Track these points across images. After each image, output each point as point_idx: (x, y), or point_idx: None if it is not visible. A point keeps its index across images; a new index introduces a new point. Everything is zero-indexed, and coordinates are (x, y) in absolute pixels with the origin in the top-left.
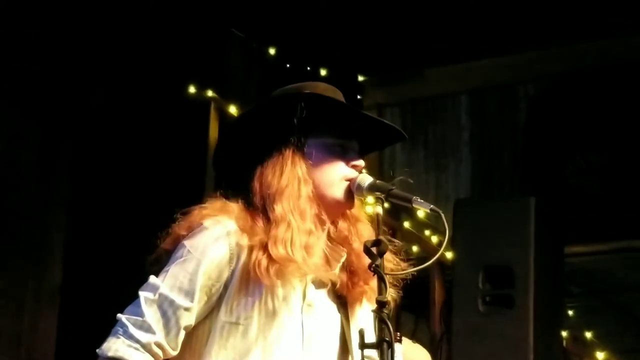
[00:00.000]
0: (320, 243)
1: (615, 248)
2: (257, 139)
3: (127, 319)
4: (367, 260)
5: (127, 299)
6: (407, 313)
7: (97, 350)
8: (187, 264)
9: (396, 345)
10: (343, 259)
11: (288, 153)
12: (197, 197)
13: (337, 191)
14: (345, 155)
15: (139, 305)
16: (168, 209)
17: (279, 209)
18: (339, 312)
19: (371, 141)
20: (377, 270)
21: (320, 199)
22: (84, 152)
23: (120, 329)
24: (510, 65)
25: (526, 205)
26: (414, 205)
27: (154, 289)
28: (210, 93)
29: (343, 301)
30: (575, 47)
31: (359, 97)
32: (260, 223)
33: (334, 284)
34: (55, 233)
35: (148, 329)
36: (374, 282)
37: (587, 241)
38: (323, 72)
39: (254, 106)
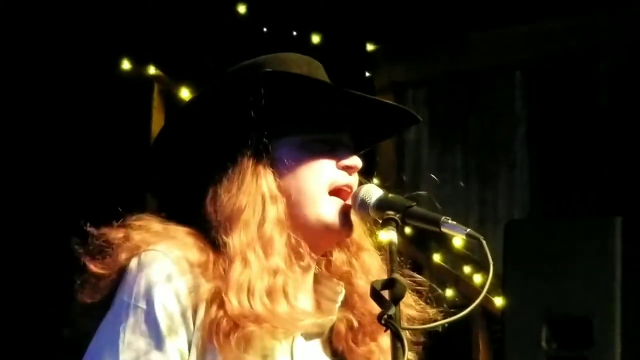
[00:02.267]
0: (297, 284)
1: None
2: (204, 143)
3: None
4: (375, 307)
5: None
6: None
7: None
8: (138, 325)
9: None
10: (341, 297)
11: (246, 161)
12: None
13: (325, 210)
14: (332, 154)
15: None
16: (98, 220)
17: (233, 240)
18: None
19: (368, 131)
20: (390, 324)
21: (299, 223)
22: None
23: None
24: (584, 29)
25: (609, 228)
26: (442, 230)
27: None
28: (152, 70)
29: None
30: None
31: (367, 74)
32: (220, 260)
33: (331, 331)
34: None
35: None
36: (385, 339)
37: None
38: (315, 39)
39: (197, 95)
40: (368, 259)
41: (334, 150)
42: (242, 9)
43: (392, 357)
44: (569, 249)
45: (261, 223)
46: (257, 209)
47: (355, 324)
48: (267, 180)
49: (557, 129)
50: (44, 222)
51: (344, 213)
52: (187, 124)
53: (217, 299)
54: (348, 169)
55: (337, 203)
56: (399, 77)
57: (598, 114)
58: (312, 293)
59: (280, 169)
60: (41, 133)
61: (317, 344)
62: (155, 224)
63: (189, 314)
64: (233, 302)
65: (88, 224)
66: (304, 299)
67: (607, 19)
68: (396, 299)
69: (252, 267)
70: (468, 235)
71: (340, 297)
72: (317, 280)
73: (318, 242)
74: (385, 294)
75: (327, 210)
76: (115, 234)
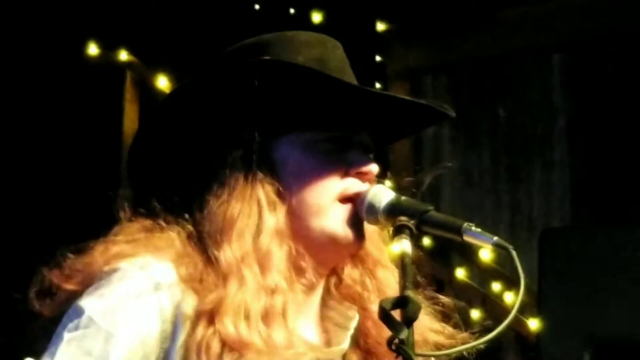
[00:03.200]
0: (299, 306)
1: None
2: (191, 140)
3: None
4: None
5: None
6: None
7: None
8: (88, 341)
9: None
10: (354, 325)
11: (239, 162)
12: (106, 214)
13: (331, 219)
14: (343, 157)
15: None
16: (62, 226)
17: (226, 254)
18: None
19: (385, 129)
20: (401, 349)
21: (301, 234)
22: None
23: None
24: (636, 2)
25: None
26: (465, 238)
27: None
28: (124, 55)
29: None
30: None
31: (379, 58)
32: (211, 272)
33: None
34: None
35: None
36: None
37: None
38: (317, 18)
39: (182, 84)
40: (385, 277)
41: (344, 152)
42: None
43: None
44: (616, 261)
45: (257, 234)
46: (253, 217)
47: (370, 353)
48: (263, 185)
49: (601, 122)
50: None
51: (354, 222)
52: (171, 118)
53: (205, 316)
54: (361, 175)
55: (345, 210)
56: (415, 63)
57: None
58: (318, 318)
59: (280, 172)
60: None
61: None
62: (137, 233)
63: (167, 340)
64: (229, 328)
65: (61, 250)
66: (307, 326)
67: None
68: (409, 321)
69: (247, 285)
70: (495, 244)
71: (353, 324)
72: (324, 303)
73: (324, 256)
74: (396, 316)
75: (334, 220)
76: (91, 253)
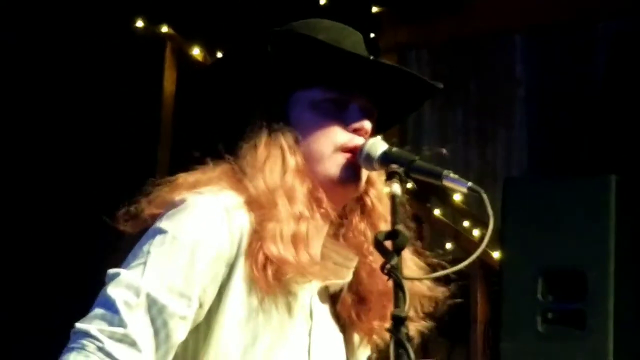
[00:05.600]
0: (316, 235)
1: None
2: (231, 99)
3: (101, 331)
4: (383, 283)
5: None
6: (439, 337)
7: None
8: (174, 255)
9: None
10: (354, 264)
11: (265, 115)
12: (148, 166)
13: (331, 168)
14: (341, 114)
15: (116, 312)
16: (113, 179)
17: (261, 188)
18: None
19: (389, 104)
20: (392, 273)
21: (313, 177)
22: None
23: (91, 344)
24: None
25: (604, 186)
26: (444, 183)
27: (133, 288)
28: (164, 29)
29: (343, 329)
30: None
31: (372, 35)
32: (253, 201)
33: (334, 299)
34: None
35: (132, 344)
36: (387, 318)
37: None
38: (322, 1)
39: (223, 55)
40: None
41: (343, 111)
42: None
43: (394, 305)
44: (566, 206)
45: (282, 173)
46: (278, 160)
47: (362, 301)
48: (284, 133)
49: (554, 91)
50: (66, 176)
51: (351, 168)
52: (214, 83)
53: (256, 235)
54: (356, 131)
55: (344, 158)
56: (402, 39)
57: (594, 77)
58: (322, 255)
59: (295, 126)
60: (57, 91)
61: (326, 309)
62: (203, 170)
63: (233, 254)
64: (270, 246)
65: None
66: (317, 257)
67: None
68: (398, 249)
69: (280, 213)
70: (469, 188)
71: (353, 264)
72: (326, 245)
73: (331, 195)
74: (388, 245)
75: (333, 169)
76: (171, 183)
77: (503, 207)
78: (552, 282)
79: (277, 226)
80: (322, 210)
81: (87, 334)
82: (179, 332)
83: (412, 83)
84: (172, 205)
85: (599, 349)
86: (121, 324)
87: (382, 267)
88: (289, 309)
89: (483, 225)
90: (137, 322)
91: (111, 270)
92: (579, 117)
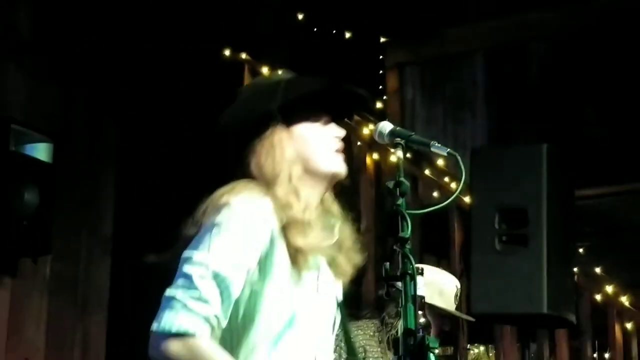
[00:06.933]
0: (314, 214)
1: (620, 190)
2: (249, 125)
3: (183, 296)
4: (349, 239)
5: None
6: (429, 255)
7: (154, 329)
8: (227, 239)
9: (418, 278)
10: (337, 227)
11: (276, 136)
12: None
13: (333, 162)
14: (328, 129)
15: (192, 281)
16: (208, 165)
17: (279, 191)
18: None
19: (342, 109)
20: (398, 209)
21: (312, 174)
22: (130, 109)
23: (178, 304)
24: (522, 24)
25: (539, 152)
26: (432, 149)
27: (203, 265)
28: (244, 56)
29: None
30: (585, 5)
31: (381, 57)
32: (276, 201)
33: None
34: (106, 185)
35: (206, 302)
36: (354, 264)
37: (595, 184)
38: (348, 35)
39: (244, 96)
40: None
41: (328, 127)
42: (300, 15)
43: (400, 230)
44: (513, 165)
45: (291, 179)
46: (286, 170)
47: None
48: (289, 149)
49: (504, 91)
50: (179, 162)
51: (338, 163)
52: (237, 116)
53: (283, 225)
54: (337, 138)
55: (338, 157)
56: (401, 59)
57: (531, 84)
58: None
59: (297, 141)
60: (172, 103)
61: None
62: (245, 182)
63: (268, 246)
64: (295, 236)
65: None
66: (319, 228)
67: (537, 15)
68: (402, 194)
69: (295, 207)
70: (448, 153)
71: (337, 227)
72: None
73: (325, 184)
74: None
75: (335, 162)
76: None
77: (471, 168)
78: (505, 216)
79: (294, 220)
80: (316, 198)
81: (173, 298)
82: (236, 290)
83: (356, 95)
84: (221, 206)
85: (536, 258)
86: (196, 288)
87: (392, 206)
88: (307, 266)
89: (459, 181)
90: (207, 287)
91: (185, 253)
92: (521, 107)
